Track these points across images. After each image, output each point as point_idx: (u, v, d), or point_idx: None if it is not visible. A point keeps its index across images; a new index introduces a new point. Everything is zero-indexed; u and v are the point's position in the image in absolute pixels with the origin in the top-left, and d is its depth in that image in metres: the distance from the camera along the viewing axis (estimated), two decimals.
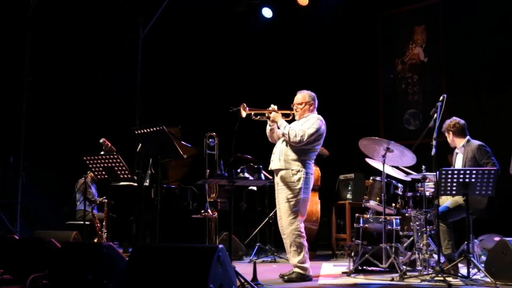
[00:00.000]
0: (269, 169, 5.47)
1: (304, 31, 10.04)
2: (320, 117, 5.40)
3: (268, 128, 5.53)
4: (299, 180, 5.23)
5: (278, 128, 5.39)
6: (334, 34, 9.97)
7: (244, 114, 5.32)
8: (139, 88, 8.20)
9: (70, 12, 8.75)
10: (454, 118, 5.93)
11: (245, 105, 5.34)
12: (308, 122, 5.33)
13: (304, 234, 5.27)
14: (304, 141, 5.22)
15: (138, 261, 3.79)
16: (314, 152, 5.39)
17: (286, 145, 5.32)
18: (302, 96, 5.52)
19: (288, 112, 5.52)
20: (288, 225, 5.23)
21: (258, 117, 5.46)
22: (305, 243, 5.26)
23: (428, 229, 5.41)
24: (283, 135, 5.30)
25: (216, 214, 6.02)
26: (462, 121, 5.87)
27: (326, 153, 8.10)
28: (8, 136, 8.07)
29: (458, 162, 5.85)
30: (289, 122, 5.44)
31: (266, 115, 5.44)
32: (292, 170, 5.25)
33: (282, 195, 5.29)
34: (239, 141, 5.38)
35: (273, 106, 5.44)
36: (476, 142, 5.75)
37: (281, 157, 5.31)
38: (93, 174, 5.91)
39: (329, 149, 8.26)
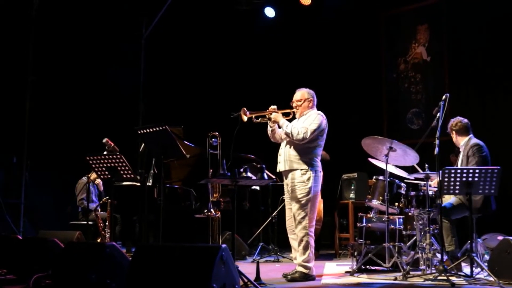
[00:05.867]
0: (277, 171, 5.46)
1: (307, 30, 10.03)
2: (320, 112, 5.41)
3: (269, 129, 5.52)
4: (309, 179, 5.24)
5: (280, 127, 5.38)
6: (337, 33, 9.96)
7: (245, 118, 5.35)
8: (142, 88, 8.18)
9: (73, 12, 8.76)
10: (457, 117, 5.93)
11: (245, 109, 5.36)
12: (309, 119, 5.33)
13: (313, 235, 5.28)
14: (307, 138, 5.21)
15: (141, 261, 3.80)
16: (319, 147, 5.39)
17: (291, 146, 5.32)
18: (301, 93, 5.51)
19: (288, 111, 5.50)
20: (298, 224, 5.24)
21: (260, 119, 5.47)
22: (312, 243, 5.27)
23: (431, 228, 5.41)
24: (286, 134, 5.29)
25: (219, 213, 6.02)
26: (465, 120, 5.87)
27: (327, 158, 7.96)
28: (11, 136, 8.09)
29: (459, 160, 5.85)
30: (290, 121, 5.42)
31: (267, 116, 5.44)
32: (301, 170, 5.25)
33: (293, 195, 5.29)
34: (242, 142, 5.37)
35: (273, 107, 5.44)
36: (473, 141, 5.74)
37: (287, 158, 5.31)
38: (95, 175, 5.91)
39: (332, 148, 8.22)
